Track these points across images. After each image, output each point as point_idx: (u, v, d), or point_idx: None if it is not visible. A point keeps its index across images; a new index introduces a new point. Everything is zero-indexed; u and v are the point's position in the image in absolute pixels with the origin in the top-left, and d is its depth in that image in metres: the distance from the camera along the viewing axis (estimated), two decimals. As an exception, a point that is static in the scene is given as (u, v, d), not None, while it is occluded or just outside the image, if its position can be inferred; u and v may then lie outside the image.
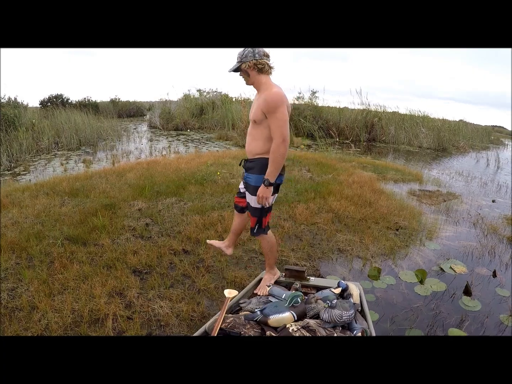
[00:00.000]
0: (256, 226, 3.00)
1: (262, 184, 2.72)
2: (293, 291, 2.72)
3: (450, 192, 7.85)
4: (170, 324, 3.17)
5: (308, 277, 3.14)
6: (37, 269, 3.89)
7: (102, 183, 7.00)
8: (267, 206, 2.87)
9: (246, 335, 2.27)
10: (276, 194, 2.93)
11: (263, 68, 2.68)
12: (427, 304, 3.60)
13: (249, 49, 2.64)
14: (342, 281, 2.72)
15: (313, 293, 2.89)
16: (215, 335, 2.21)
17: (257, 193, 2.78)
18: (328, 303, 2.33)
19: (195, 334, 2.43)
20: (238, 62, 2.71)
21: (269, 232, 3.13)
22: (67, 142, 14.28)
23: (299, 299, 2.45)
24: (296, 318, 2.37)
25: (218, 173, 7.40)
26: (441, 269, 4.28)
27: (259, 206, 2.87)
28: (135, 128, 21.11)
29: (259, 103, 2.66)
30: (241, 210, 3.23)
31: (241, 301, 2.81)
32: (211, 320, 2.54)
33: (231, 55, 3.04)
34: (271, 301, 2.66)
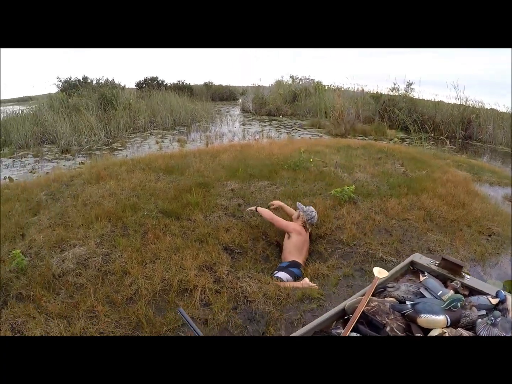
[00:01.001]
0: None
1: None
2: (452, 291, 2.48)
3: (548, 203, 7.09)
4: (256, 301, 3.30)
5: (463, 274, 2.80)
6: (131, 238, 4.18)
7: (196, 163, 7.29)
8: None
9: (388, 327, 2.12)
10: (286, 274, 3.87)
11: (306, 227, 4.34)
12: (512, 318, 3.34)
13: (310, 213, 4.33)
14: (502, 291, 2.44)
15: (466, 295, 2.59)
16: (357, 317, 2.08)
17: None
18: (492, 320, 2.04)
19: (332, 312, 2.30)
20: (301, 210, 4.41)
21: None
22: (162, 122, 15.19)
23: (458, 304, 2.16)
24: (449, 324, 2.13)
25: (311, 160, 7.37)
26: (531, 283, 3.93)
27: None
28: (228, 112, 21.76)
29: None
30: None
31: (389, 285, 2.60)
32: (352, 299, 2.38)
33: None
34: (422, 293, 2.47)
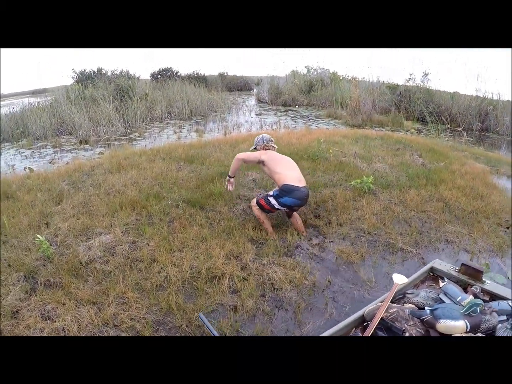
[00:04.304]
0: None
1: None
2: (472, 297, 2.45)
3: None
4: (283, 288, 3.37)
5: (484, 280, 2.79)
6: (157, 227, 4.25)
7: (216, 152, 7.36)
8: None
9: (407, 333, 2.14)
10: (278, 205, 4.08)
11: (269, 147, 4.49)
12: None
13: (261, 137, 4.53)
14: None
15: (487, 300, 2.59)
16: (375, 323, 2.11)
17: None
18: None
19: (351, 318, 2.33)
20: (254, 145, 4.57)
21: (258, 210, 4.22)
22: (179, 112, 15.26)
23: (478, 309, 2.15)
24: (468, 330, 2.11)
25: (330, 150, 7.37)
26: (549, 277, 3.90)
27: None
28: (243, 102, 21.71)
29: None
30: (287, 214, 4.47)
31: (408, 291, 2.61)
32: (371, 305, 2.39)
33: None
34: (442, 299, 2.47)
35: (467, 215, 5.07)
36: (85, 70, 18.78)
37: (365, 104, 15.14)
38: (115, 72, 18.77)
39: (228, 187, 4.51)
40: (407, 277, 2.75)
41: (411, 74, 18.74)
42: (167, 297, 3.16)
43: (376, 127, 13.83)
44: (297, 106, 20.17)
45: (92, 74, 18.42)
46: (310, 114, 17.53)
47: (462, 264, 2.86)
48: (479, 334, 2.10)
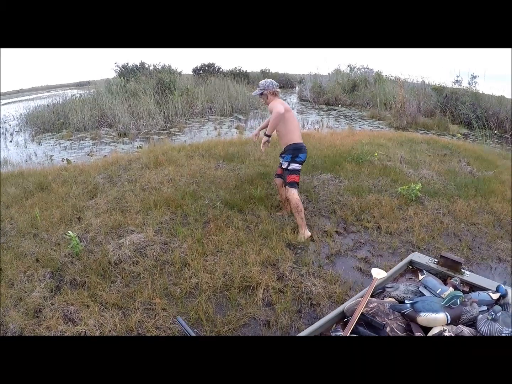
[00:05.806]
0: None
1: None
2: (451, 289, 2.44)
3: None
4: (321, 304, 3.10)
5: (463, 271, 2.81)
6: (192, 227, 4.07)
7: (256, 151, 7.12)
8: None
9: (388, 327, 2.12)
10: (298, 165, 4.23)
11: (277, 94, 4.35)
12: None
13: (269, 81, 4.34)
14: (502, 286, 2.42)
15: (467, 291, 2.61)
16: (356, 319, 2.09)
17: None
18: (492, 315, 2.03)
19: (331, 314, 2.27)
20: (261, 89, 4.33)
21: (296, 194, 4.18)
22: (220, 108, 15.22)
23: (458, 301, 2.16)
24: (449, 322, 2.13)
25: (376, 154, 7.08)
26: None
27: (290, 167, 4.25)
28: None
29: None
30: (279, 176, 4.56)
31: (388, 285, 2.58)
32: (351, 301, 2.33)
33: None
34: (422, 292, 2.47)
35: (519, 232, 4.68)
36: (127, 64, 19.05)
37: (410, 106, 14.64)
38: (157, 67, 18.94)
39: (263, 148, 4.31)
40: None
41: (458, 76, 18.05)
42: (197, 306, 2.96)
43: (421, 130, 13.35)
44: (340, 106, 19.82)
45: (135, 68, 18.62)
46: (353, 114, 17.16)
47: (441, 256, 2.89)
48: (460, 326, 2.13)
